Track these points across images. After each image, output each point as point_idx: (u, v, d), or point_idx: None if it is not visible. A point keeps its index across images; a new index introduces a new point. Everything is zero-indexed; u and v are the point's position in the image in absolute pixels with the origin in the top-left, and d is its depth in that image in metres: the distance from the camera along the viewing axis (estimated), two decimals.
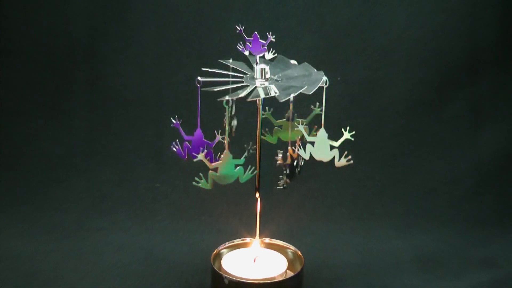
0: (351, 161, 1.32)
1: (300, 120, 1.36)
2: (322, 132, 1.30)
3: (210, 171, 1.29)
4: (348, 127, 1.32)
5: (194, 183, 1.29)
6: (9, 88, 1.73)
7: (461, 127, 1.70)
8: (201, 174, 1.30)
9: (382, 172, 1.69)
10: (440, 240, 1.56)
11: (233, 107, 1.34)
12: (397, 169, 1.70)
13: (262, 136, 1.36)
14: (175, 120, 1.29)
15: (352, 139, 1.32)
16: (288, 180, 1.36)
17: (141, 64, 1.72)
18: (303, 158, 1.39)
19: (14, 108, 1.73)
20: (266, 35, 1.29)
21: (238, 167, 1.29)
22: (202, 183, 1.29)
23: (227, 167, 1.30)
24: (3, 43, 1.72)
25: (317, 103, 1.34)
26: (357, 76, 1.69)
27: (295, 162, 1.37)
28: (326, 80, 1.28)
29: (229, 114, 1.32)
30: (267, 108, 1.36)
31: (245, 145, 1.32)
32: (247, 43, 1.30)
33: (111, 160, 1.71)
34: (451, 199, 1.65)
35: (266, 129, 1.37)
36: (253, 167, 1.30)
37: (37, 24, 1.71)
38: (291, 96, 1.25)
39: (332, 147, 1.32)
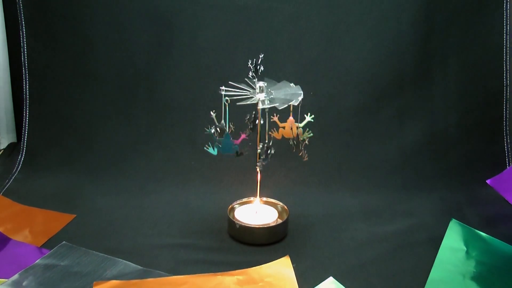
0: (311, 134, 1.39)
1: (296, 124, 1.39)
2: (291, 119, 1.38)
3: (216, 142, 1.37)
4: (309, 113, 1.38)
5: (205, 148, 1.38)
6: (95, 99, 1.81)
7: (391, 125, 1.77)
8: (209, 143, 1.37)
9: (340, 154, 1.76)
10: (378, 199, 1.65)
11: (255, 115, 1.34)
12: (350, 152, 1.76)
13: (270, 133, 1.39)
14: (207, 129, 1.35)
15: (313, 121, 1.38)
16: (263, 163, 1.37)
17: (182, 83, 1.79)
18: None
19: (99, 112, 1.81)
20: (259, 56, 1.37)
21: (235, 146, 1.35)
22: (210, 149, 1.38)
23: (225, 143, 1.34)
24: (93, 72, 1.80)
25: (309, 113, 1.39)
26: (323, 91, 1.76)
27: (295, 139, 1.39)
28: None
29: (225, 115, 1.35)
30: (275, 114, 1.40)
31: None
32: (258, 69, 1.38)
33: (162, 146, 1.78)
34: (385, 172, 1.73)
35: (274, 128, 1.42)
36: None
37: (113, 58, 1.79)
38: (284, 106, 1.33)
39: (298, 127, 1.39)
